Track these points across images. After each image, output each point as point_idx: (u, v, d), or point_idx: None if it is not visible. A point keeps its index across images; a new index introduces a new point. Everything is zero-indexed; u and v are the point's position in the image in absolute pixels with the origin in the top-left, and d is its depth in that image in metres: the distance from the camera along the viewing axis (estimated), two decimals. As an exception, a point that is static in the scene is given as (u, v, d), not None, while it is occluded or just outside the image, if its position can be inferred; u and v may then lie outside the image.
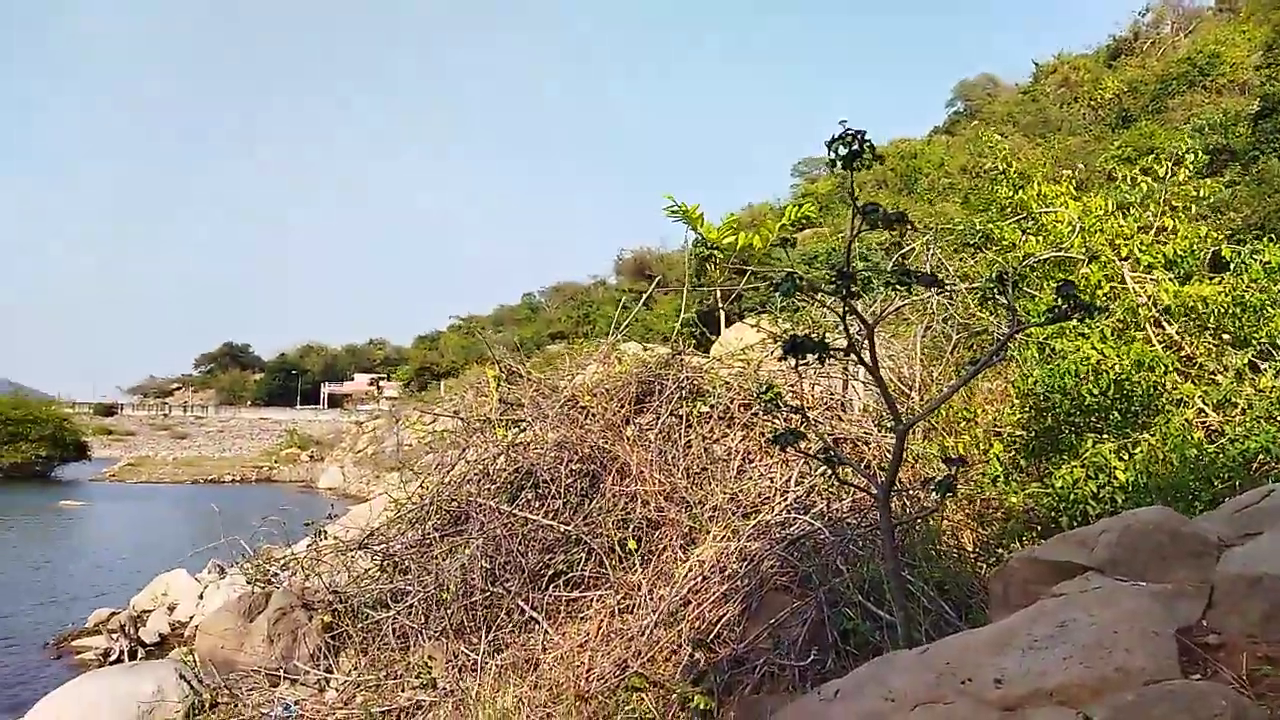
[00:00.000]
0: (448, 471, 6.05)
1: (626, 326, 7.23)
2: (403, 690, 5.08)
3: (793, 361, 3.10)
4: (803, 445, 3.92)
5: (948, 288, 5.85)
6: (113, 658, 9.02)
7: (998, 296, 5.21)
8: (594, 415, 5.70)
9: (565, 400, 5.85)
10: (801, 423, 3.57)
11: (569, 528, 5.16)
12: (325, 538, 8.31)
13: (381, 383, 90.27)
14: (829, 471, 5.20)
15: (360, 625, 5.90)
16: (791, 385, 5.60)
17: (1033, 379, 5.26)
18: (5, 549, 18.74)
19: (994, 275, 4.32)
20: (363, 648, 5.80)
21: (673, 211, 6.96)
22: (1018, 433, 5.50)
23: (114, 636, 9.46)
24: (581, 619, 4.95)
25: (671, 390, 5.73)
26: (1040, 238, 6.41)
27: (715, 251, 3.24)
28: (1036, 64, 54.71)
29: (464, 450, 5.97)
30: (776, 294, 6.44)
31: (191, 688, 5.95)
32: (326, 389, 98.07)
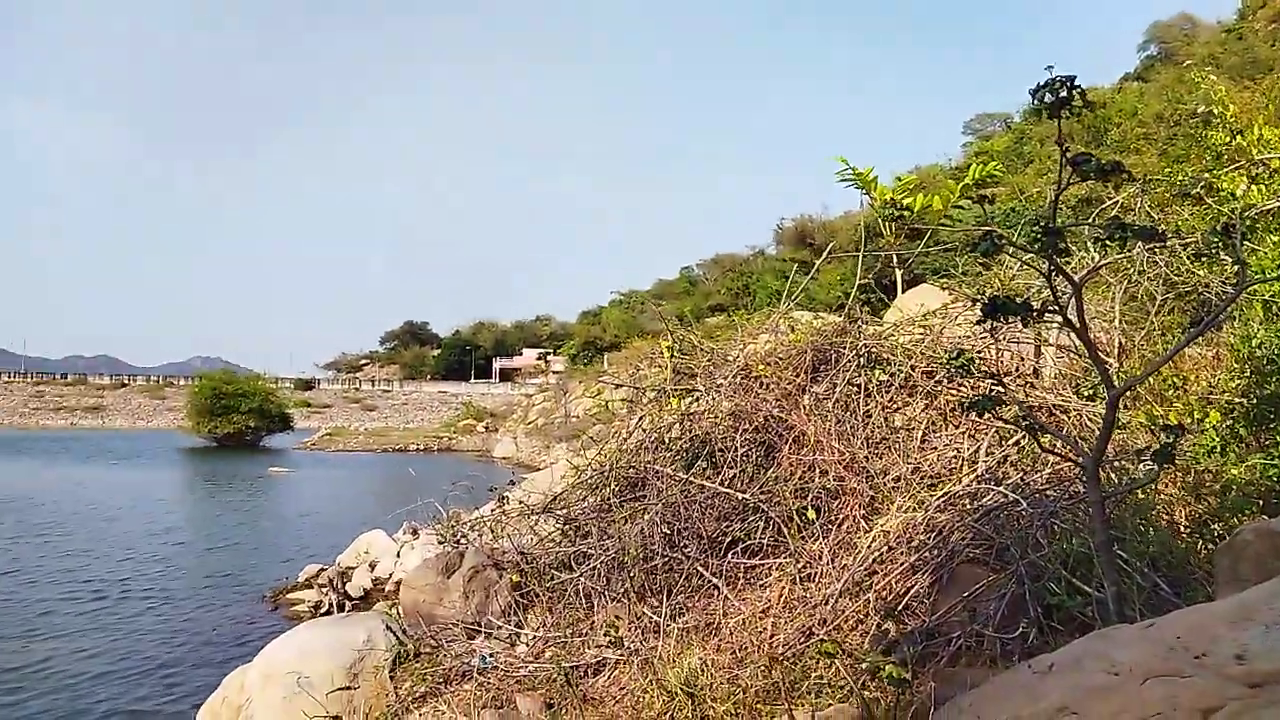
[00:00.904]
0: (625, 440, 6.22)
1: (792, 295, 7.12)
2: (589, 647, 5.29)
3: (989, 325, 2.96)
4: (999, 413, 3.76)
5: (1164, 242, 5.38)
6: (323, 610, 9.89)
7: (1219, 251, 4.74)
8: (768, 384, 5.67)
9: (738, 370, 5.86)
10: (997, 389, 3.40)
11: (746, 496, 5.18)
12: (508, 503, 8.78)
13: (548, 357, 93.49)
14: (1024, 442, 4.96)
15: (546, 585, 6.18)
16: (980, 351, 5.34)
17: (1256, 340, 4.77)
18: (228, 511, 20.92)
19: (1217, 227, 3.92)
20: (549, 606, 6.08)
21: (845, 176, 6.78)
22: (1237, 400, 5.02)
23: (324, 590, 10.37)
24: (761, 586, 4.97)
25: (849, 358, 5.61)
26: (1264, 186, 5.78)
27: (905, 212, 3.12)
28: (1243, -2, 49.07)
29: (640, 419, 6.11)
30: (965, 255, 6.16)
31: (397, 638, 6.44)
32: (497, 364, 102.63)
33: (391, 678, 6.13)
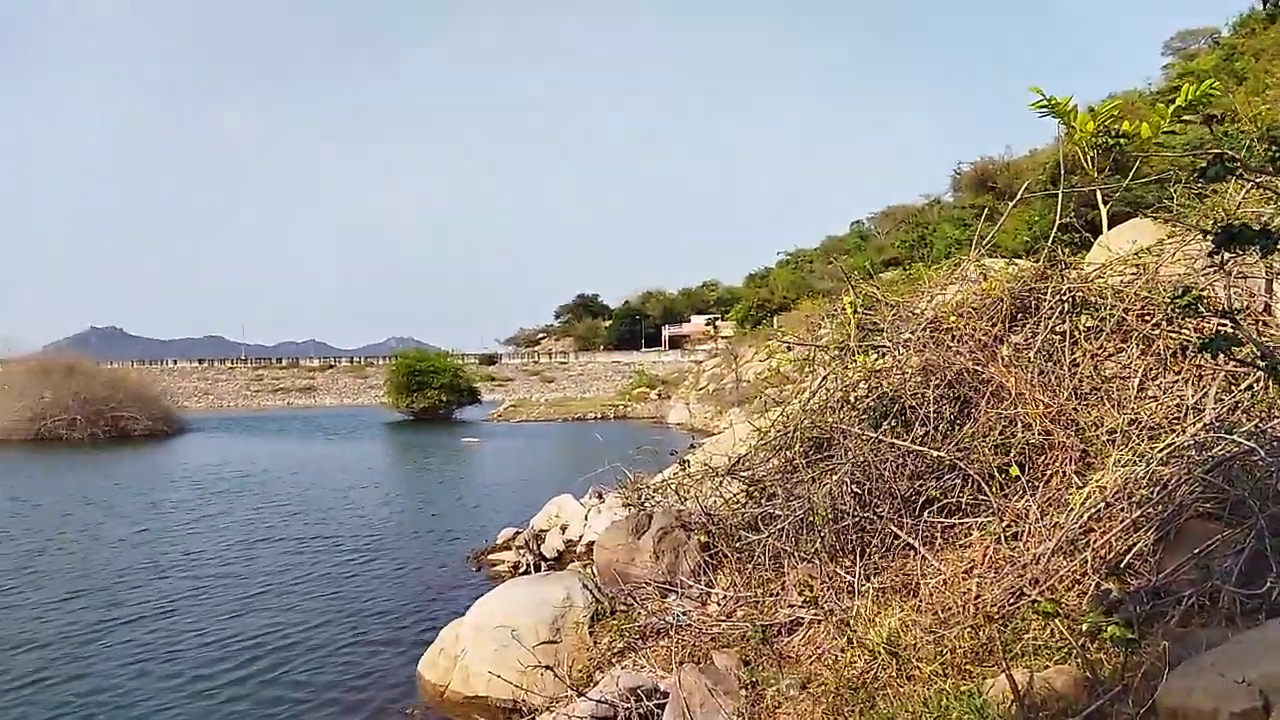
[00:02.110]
0: (808, 400, 6.12)
1: (982, 242, 6.70)
2: (781, 607, 5.29)
3: (1220, 258, 2.67)
4: (1232, 354, 3.40)
5: None
6: (521, 569, 10.43)
7: None
8: (961, 337, 5.40)
9: (928, 323, 5.61)
10: (1232, 328, 3.07)
11: (941, 453, 4.98)
12: (689, 466, 8.89)
13: (716, 322, 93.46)
14: (1257, 386, 4.47)
15: (733, 545, 6.23)
16: (1203, 289, 4.84)
17: None
18: (429, 479, 22.45)
19: None
20: (737, 566, 6.13)
21: (1040, 106, 6.26)
22: None
23: (521, 551, 10.94)
24: (961, 545, 4.78)
25: (1050, 304, 5.24)
26: None
27: (1120, 140, 2.85)
28: None
29: (824, 378, 5.99)
30: (1184, 183, 5.58)
31: (593, 595, 6.73)
32: (667, 331, 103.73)
33: (590, 633, 6.42)
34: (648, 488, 9.41)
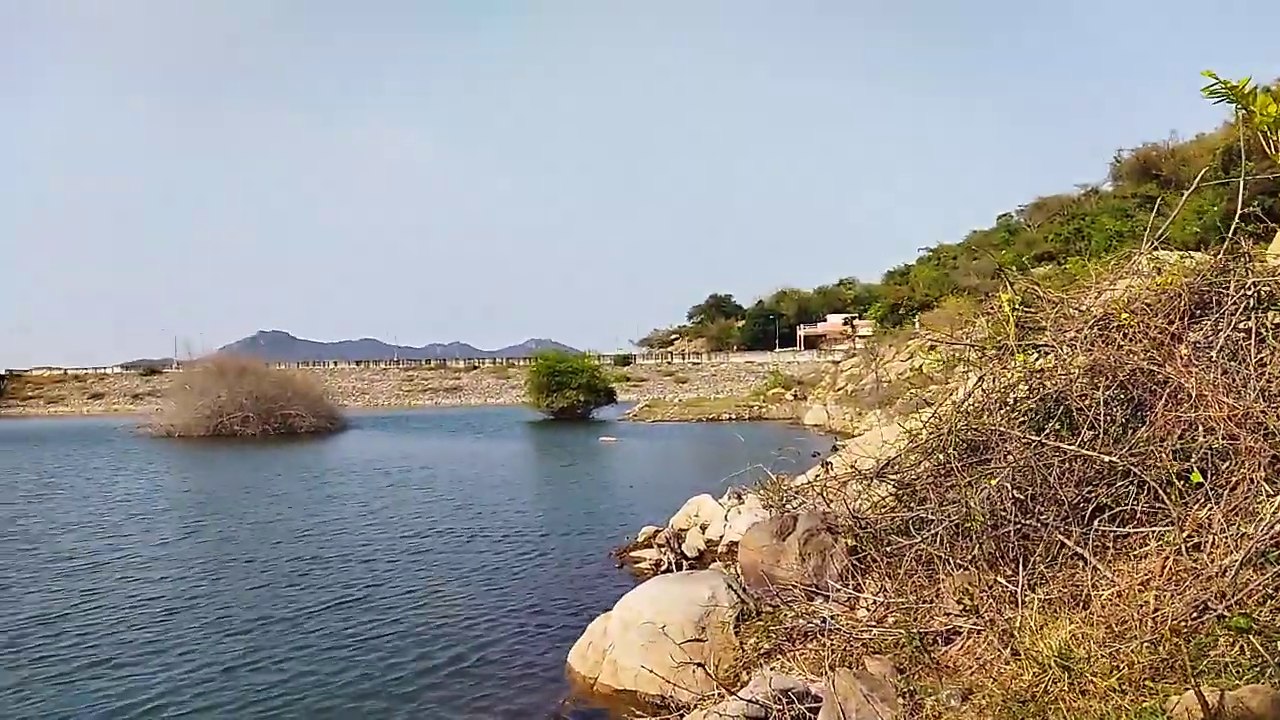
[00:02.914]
0: (962, 401, 5.92)
1: (1148, 233, 6.28)
2: (936, 615, 5.15)
3: None
4: None
5: None
6: (663, 567, 10.54)
7: None
8: (1133, 334, 5.08)
9: (1095, 320, 5.31)
10: None
11: (1113, 458, 4.71)
12: (832, 468, 8.77)
13: (854, 321, 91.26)
14: None
15: (883, 550, 6.10)
16: None
17: None
18: (571, 476, 23.03)
19: None
20: (887, 571, 5.99)
21: (1214, 91, 5.86)
22: None
23: (662, 550, 11.07)
24: (1135, 556, 4.52)
25: (1234, 299, 4.86)
26: None
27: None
28: None
29: (980, 378, 5.78)
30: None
31: (738, 595, 6.73)
32: (801, 331, 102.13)
33: (736, 632, 6.43)
34: (788, 489, 9.34)
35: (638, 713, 5.56)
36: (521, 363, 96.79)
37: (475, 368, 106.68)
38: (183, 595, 9.64)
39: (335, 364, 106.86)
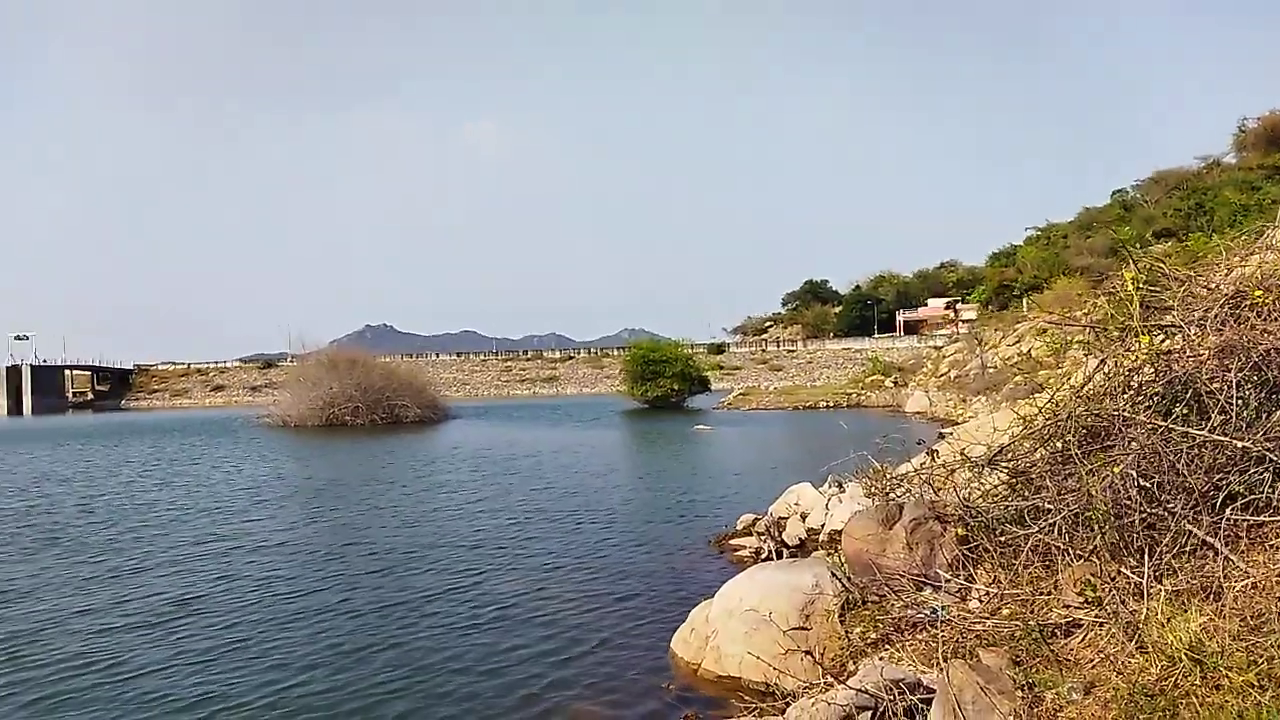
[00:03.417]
0: (1082, 385, 5.68)
1: (1268, 208, 5.86)
2: (1054, 606, 4.97)
3: None
4: None
5: None
6: (763, 555, 10.50)
7: None
8: (1270, 314, 4.78)
9: (1226, 299, 5.01)
10: None
11: (1248, 444, 4.44)
12: (938, 456, 8.52)
13: (957, 305, 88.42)
14: None
15: (995, 540, 5.92)
16: None
17: None
18: (667, 464, 23.13)
19: None
20: (1001, 562, 5.81)
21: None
22: None
23: (762, 538, 11.03)
24: (1271, 547, 4.27)
25: (1388, 273, 4.51)
26: None
27: None
28: None
29: (1101, 362, 5.52)
30: None
31: (843, 584, 6.65)
32: (901, 316, 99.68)
33: (841, 621, 6.37)
34: (892, 477, 9.15)
35: (744, 699, 5.58)
36: (616, 352, 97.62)
37: (570, 358, 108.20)
38: (309, 579, 10.12)
39: (436, 355, 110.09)
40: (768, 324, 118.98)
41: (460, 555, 11.20)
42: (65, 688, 6.62)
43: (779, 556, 10.18)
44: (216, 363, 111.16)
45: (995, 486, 6.58)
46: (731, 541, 11.56)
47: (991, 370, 39.28)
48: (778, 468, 20.46)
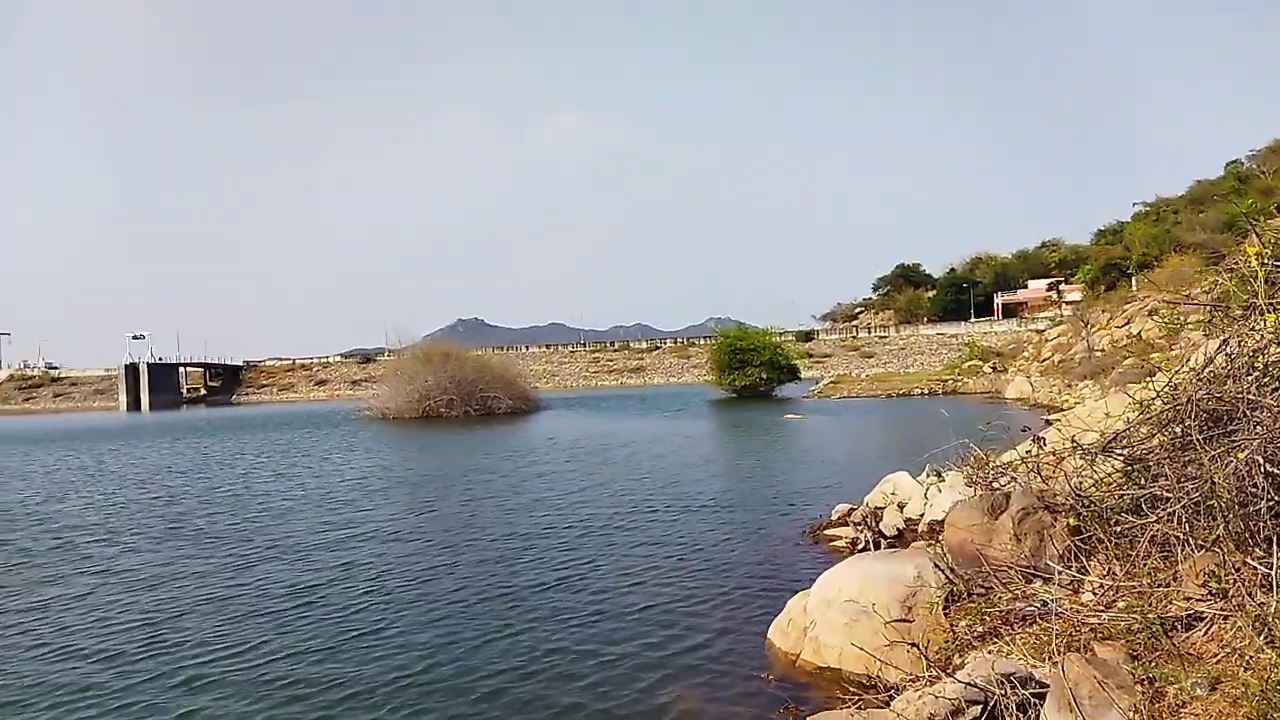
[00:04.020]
0: (1202, 367, 5.39)
1: None
2: (1174, 599, 4.75)
3: None
4: None
5: None
6: (860, 546, 10.33)
7: None
8: None
9: (1366, 272, 4.66)
10: None
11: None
12: (1044, 443, 8.22)
13: (1060, 286, 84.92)
14: None
15: (1109, 530, 5.69)
16: None
17: None
18: (758, 453, 23.01)
19: None
20: (1116, 553, 5.59)
21: None
22: None
23: (859, 528, 10.85)
24: None
25: None
26: None
27: None
28: None
29: (1224, 342, 5.23)
30: None
31: (946, 576, 6.50)
32: (999, 299, 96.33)
33: (945, 613, 6.22)
34: (995, 466, 8.88)
35: (845, 691, 5.52)
36: (702, 341, 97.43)
37: (657, 348, 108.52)
38: (423, 568, 10.42)
39: (525, 348, 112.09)
40: (858, 310, 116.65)
41: (562, 545, 11.38)
42: (203, 671, 6.98)
43: (876, 547, 10.00)
44: (320, 358, 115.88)
45: (1109, 474, 6.32)
46: (826, 532, 11.42)
47: (1098, 354, 37.58)
48: (872, 457, 20.11)
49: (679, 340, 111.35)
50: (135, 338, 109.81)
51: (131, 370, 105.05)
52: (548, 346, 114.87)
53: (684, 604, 8.47)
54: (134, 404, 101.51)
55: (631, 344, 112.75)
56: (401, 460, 24.84)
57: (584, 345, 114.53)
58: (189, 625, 8.27)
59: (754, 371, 52.12)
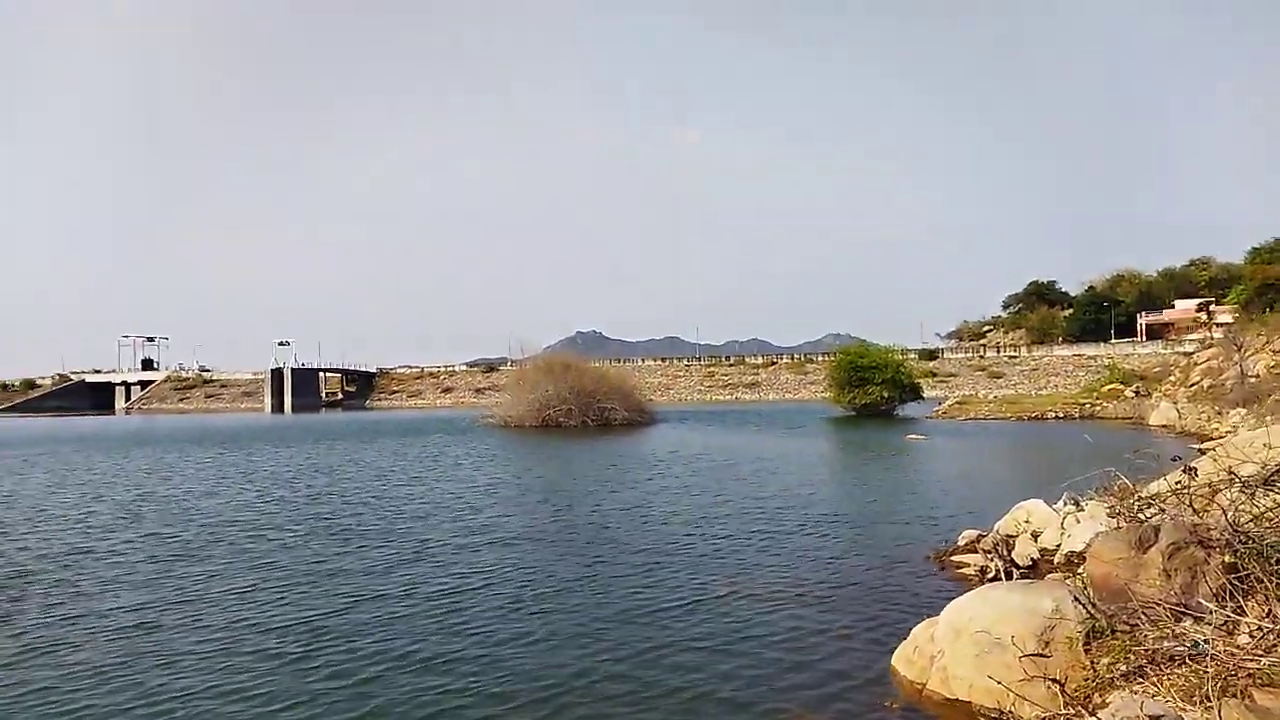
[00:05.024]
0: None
1: None
2: (1349, 649, 4.40)
3: None
4: None
5: None
6: (990, 575, 9.94)
7: None
8: None
9: None
10: None
11: None
12: (1196, 475, 7.73)
13: (1210, 307, 79.26)
14: None
15: (1271, 569, 5.33)
16: None
17: None
18: (879, 474, 22.45)
19: None
20: (1276, 594, 5.23)
21: None
22: None
23: (989, 556, 10.44)
24: None
25: None
26: None
27: None
28: None
29: None
30: None
31: (1087, 611, 6.20)
32: (1143, 319, 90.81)
33: (1086, 650, 5.94)
34: (1141, 496, 8.43)
35: (973, 724, 5.36)
36: (820, 358, 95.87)
37: (773, 364, 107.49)
38: (559, 579, 10.53)
39: (641, 361, 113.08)
40: (986, 328, 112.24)
41: (688, 561, 11.33)
42: (368, 674, 7.20)
43: (1008, 577, 9.61)
44: (446, 366, 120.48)
45: (1269, 509, 5.92)
46: (953, 558, 11.04)
47: (1253, 379, 34.86)
48: (1001, 482, 19.29)
49: (795, 356, 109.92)
50: (281, 344, 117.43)
51: (276, 374, 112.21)
52: (663, 360, 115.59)
53: (803, 624, 8.38)
54: (278, 406, 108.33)
55: (747, 359, 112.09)
56: (529, 468, 25.49)
57: (699, 359, 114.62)
58: (352, 628, 8.53)
59: (875, 390, 50.81)
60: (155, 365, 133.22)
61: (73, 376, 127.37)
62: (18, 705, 6.60)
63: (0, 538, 13.81)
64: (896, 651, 7.21)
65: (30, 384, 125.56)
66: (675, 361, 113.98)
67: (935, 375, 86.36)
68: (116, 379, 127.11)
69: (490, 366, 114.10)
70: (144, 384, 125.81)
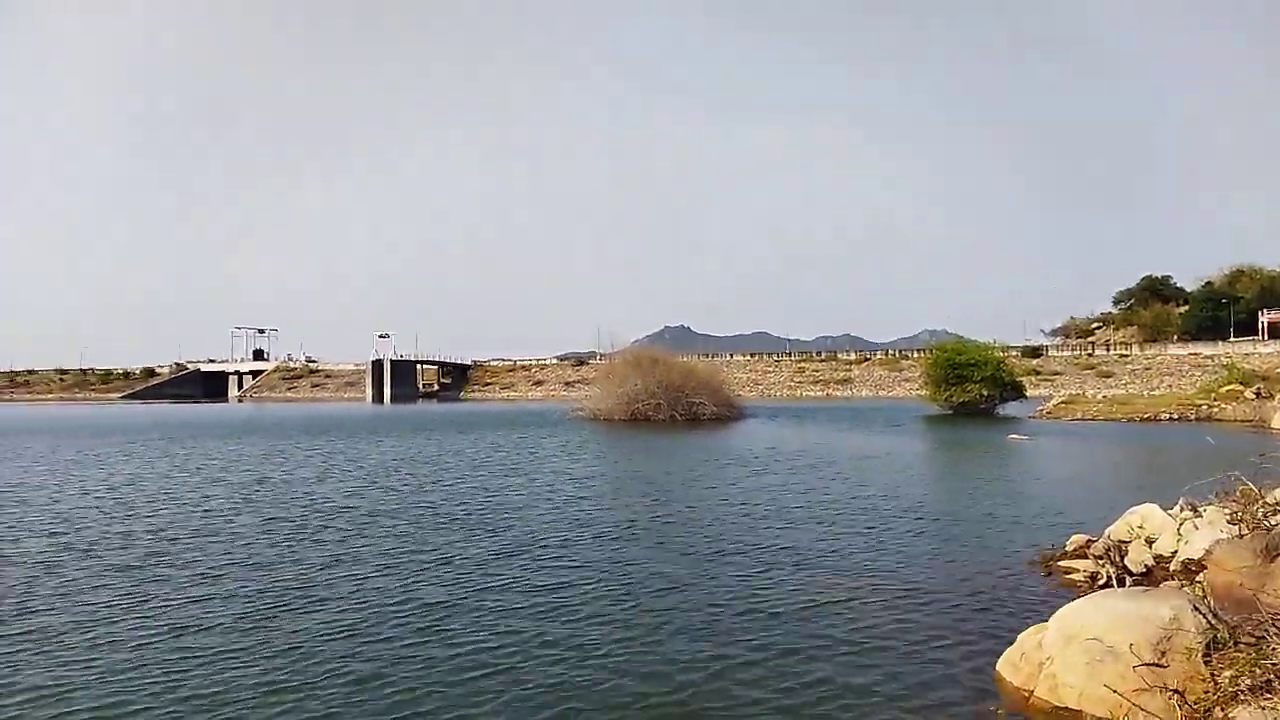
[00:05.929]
0: None
1: None
2: None
3: None
4: None
5: None
6: (1100, 581, 9.60)
7: None
8: None
9: None
10: None
11: None
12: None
13: (1344, 303, 74.04)
14: None
15: None
16: None
17: None
18: (979, 475, 21.84)
19: None
20: None
21: None
22: None
23: (1100, 562, 10.08)
24: None
25: None
26: None
27: None
28: None
29: None
30: None
31: (1208, 621, 5.97)
32: (1265, 317, 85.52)
33: (1206, 661, 5.73)
34: (1268, 503, 8.02)
35: (1086, 733, 5.23)
36: (915, 354, 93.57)
37: (866, 360, 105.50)
38: (666, 576, 10.50)
39: (730, 356, 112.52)
40: (1095, 325, 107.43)
41: (789, 559, 11.27)
42: (506, 665, 7.28)
43: (1121, 584, 9.27)
44: (537, 359, 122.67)
45: None
46: (1060, 563, 10.71)
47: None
48: (1110, 485, 18.57)
49: (889, 353, 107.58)
50: (381, 336, 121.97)
51: (377, 366, 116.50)
52: (752, 355, 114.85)
53: (904, 626, 8.27)
54: (378, 396, 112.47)
55: (839, 354, 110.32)
56: (622, 461, 25.76)
57: (789, 354, 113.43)
58: (468, 618, 8.65)
59: (974, 388, 49.37)
60: (265, 356, 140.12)
61: (189, 366, 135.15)
62: (142, 690, 6.81)
63: (130, 517, 14.79)
64: (1002, 657, 7.05)
65: (150, 372, 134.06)
66: (764, 356, 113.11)
67: (1039, 374, 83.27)
68: (230, 368, 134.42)
69: (580, 360, 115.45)
70: (255, 373, 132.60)
